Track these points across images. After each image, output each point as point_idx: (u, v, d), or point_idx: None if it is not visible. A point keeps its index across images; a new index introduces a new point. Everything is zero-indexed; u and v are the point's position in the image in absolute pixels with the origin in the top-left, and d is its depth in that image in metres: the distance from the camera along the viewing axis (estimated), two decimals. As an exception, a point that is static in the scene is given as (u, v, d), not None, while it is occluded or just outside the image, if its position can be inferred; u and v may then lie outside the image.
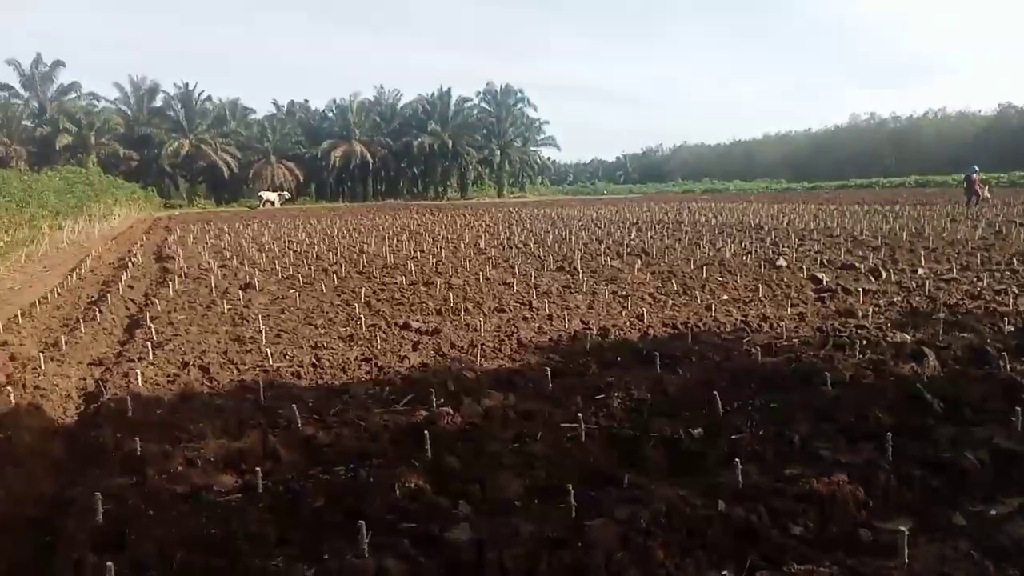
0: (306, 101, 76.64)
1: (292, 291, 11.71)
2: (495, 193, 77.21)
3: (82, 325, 9.06)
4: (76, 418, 5.90)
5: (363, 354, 7.42)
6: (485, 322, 8.84)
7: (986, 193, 29.18)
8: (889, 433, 4.34)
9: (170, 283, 12.66)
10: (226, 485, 4.23)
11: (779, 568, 3.06)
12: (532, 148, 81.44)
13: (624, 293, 10.85)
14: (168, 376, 6.68)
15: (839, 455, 4.31)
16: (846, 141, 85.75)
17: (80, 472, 4.52)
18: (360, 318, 9.25)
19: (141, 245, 22.73)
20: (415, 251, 17.73)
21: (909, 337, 7.28)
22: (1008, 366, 5.95)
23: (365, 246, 19.34)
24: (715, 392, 5.32)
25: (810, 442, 4.61)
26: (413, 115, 74.89)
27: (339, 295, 11.42)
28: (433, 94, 75.02)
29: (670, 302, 10.10)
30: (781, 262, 13.59)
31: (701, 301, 10.09)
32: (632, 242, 18.62)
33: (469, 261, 15.31)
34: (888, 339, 7.21)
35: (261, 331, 8.51)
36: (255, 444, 4.72)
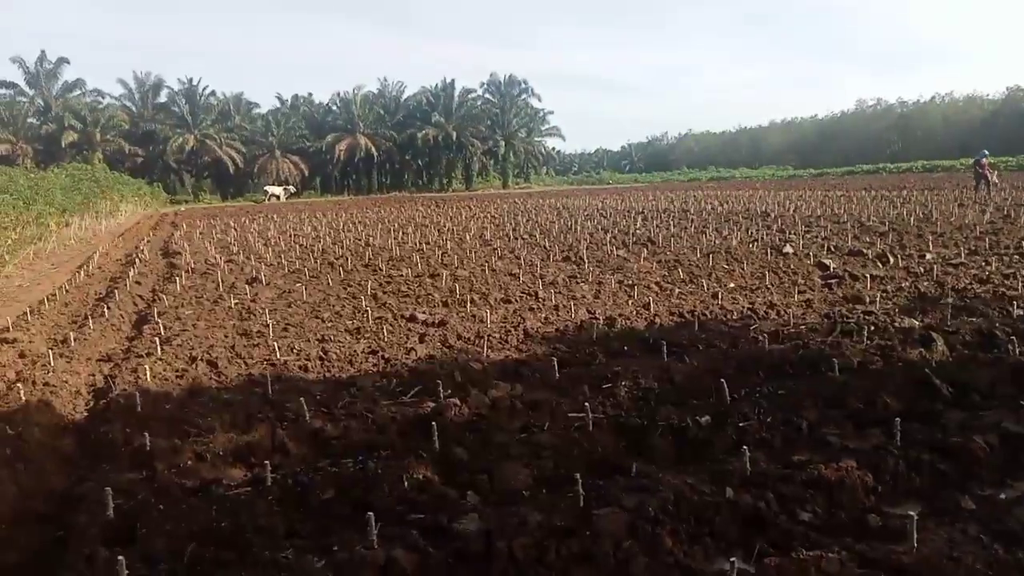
0: (310, 95, 76.67)
1: (299, 285, 11.74)
2: (500, 184, 77.09)
3: (90, 321, 9.11)
4: (86, 414, 5.93)
5: (370, 347, 7.44)
6: (491, 313, 8.84)
7: (994, 178, 28.94)
8: (897, 418, 4.33)
9: (177, 278, 12.70)
10: (235, 478, 4.25)
11: (787, 554, 3.05)
12: (536, 138, 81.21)
13: (630, 282, 10.83)
14: (176, 371, 6.71)
15: (847, 441, 4.30)
16: (853, 127, 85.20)
17: (90, 467, 4.55)
18: (367, 311, 9.26)
19: (148, 241, 22.80)
20: (421, 243, 17.73)
21: (917, 322, 7.24)
22: (1017, 350, 5.91)
23: (371, 239, 19.35)
24: (722, 380, 5.30)
25: (818, 428, 4.60)
26: (417, 107, 74.75)
27: (345, 288, 11.44)
28: (437, 86, 74.93)
29: (676, 291, 10.08)
30: (788, 249, 13.54)
31: (707, 289, 10.06)
32: (638, 231, 18.57)
33: (475, 252, 15.31)
34: (896, 325, 7.18)
35: (268, 325, 8.53)
36: (264, 437, 4.73)
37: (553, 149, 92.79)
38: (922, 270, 10.85)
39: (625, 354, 6.81)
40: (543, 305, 9.38)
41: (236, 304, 10.18)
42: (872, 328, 7.00)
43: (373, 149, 70.10)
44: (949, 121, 75.51)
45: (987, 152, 29.36)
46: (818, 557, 2.94)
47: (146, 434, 4.64)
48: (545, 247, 15.87)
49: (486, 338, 7.52)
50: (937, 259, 11.77)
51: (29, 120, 60.07)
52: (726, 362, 6.09)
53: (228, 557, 3.27)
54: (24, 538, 3.71)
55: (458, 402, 5.21)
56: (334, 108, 74.38)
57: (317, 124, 72.74)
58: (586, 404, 4.84)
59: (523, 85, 77.54)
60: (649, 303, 9.07)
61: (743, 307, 8.71)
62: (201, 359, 7.06)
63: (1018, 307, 7.71)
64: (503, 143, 75.90)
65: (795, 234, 16.25)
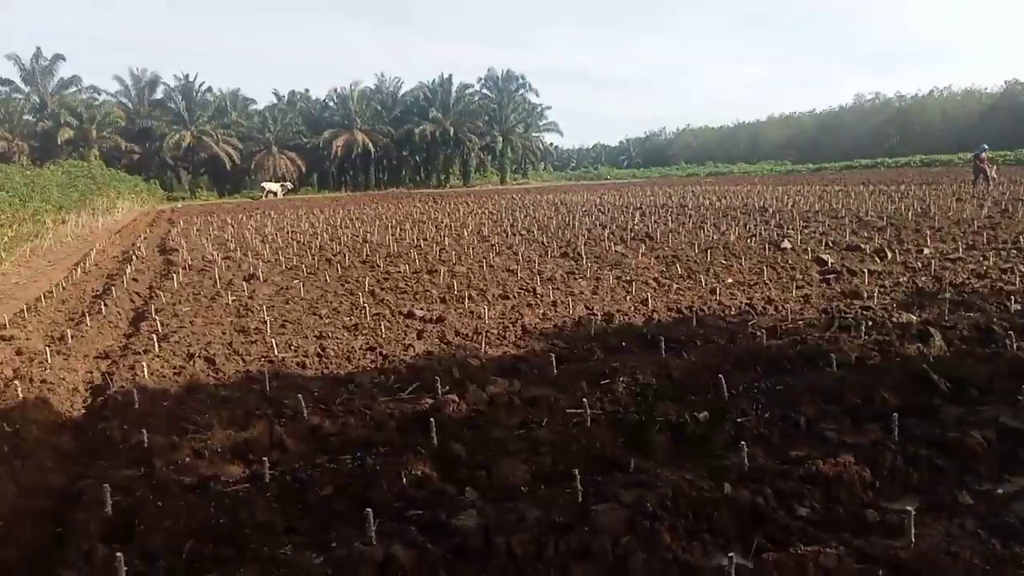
0: (307, 91, 76.43)
1: (296, 281, 11.73)
2: (498, 180, 77.00)
3: (87, 318, 9.09)
4: (83, 411, 5.92)
5: (368, 343, 7.43)
6: (489, 309, 8.83)
7: (993, 173, 28.94)
8: (895, 414, 4.34)
9: (174, 275, 12.68)
10: (233, 475, 4.25)
11: (785, 549, 3.06)
12: (534, 134, 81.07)
13: (628, 278, 10.83)
14: (174, 368, 6.70)
15: (845, 436, 4.31)
16: (851, 122, 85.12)
17: (88, 464, 4.54)
18: (364, 307, 9.26)
19: (145, 238, 22.76)
20: (418, 239, 17.72)
21: (915, 317, 7.25)
22: (1015, 345, 5.93)
23: (368, 235, 19.33)
24: (720, 375, 5.31)
25: (816, 424, 4.61)
26: (414, 103, 74.56)
27: (343, 285, 11.43)
28: (434, 81, 74.70)
29: (674, 286, 10.08)
30: (786, 244, 13.54)
31: (706, 285, 10.06)
32: (636, 227, 18.57)
33: (472, 249, 15.30)
34: (894, 320, 7.19)
35: (266, 322, 8.53)
36: (262, 434, 4.73)
37: (551, 144, 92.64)
38: (920, 265, 10.86)
39: (623, 350, 6.81)
40: (541, 301, 9.38)
41: (233, 301, 10.17)
42: (870, 323, 7.00)
43: (370, 145, 69.95)
44: (947, 115, 75.46)
45: (987, 147, 29.34)
46: (816, 552, 2.94)
47: (144, 431, 4.64)
48: (543, 243, 15.87)
49: (484, 334, 7.52)
50: (935, 254, 11.78)
51: (25, 117, 59.89)
52: (724, 358, 6.09)
53: (226, 553, 3.27)
54: (22, 535, 3.71)
55: (456, 398, 5.21)
56: (331, 104, 74.17)
57: (314, 120, 72.56)
58: (584, 400, 4.85)
59: (521, 80, 77.44)
60: (647, 299, 9.07)
61: (741, 303, 8.72)
62: (199, 356, 7.05)
63: (1016, 302, 7.72)
64: (501, 139, 75.76)
65: (793, 229, 16.26)
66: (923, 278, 9.74)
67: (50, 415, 5.58)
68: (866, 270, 10.39)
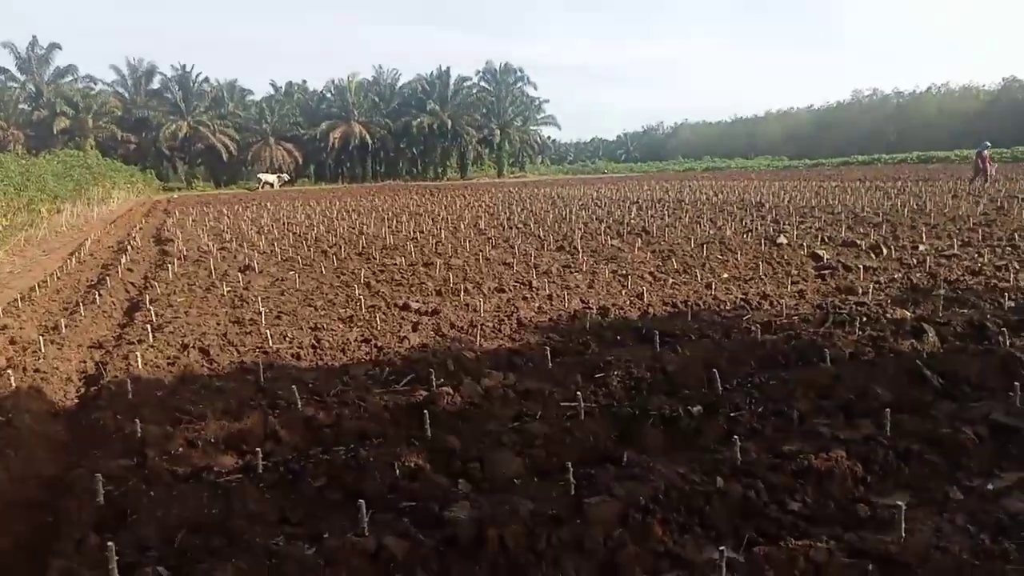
0: (304, 82, 76.11)
1: (292, 273, 11.70)
2: (495, 173, 76.88)
3: (82, 308, 9.07)
4: (77, 401, 5.91)
5: (363, 335, 7.43)
6: (485, 302, 8.83)
7: (992, 171, 28.96)
8: (888, 409, 4.35)
9: (169, 266, 12.65)
10: (227, 466, 4.25)
11: (777, 543, 3.07)
12: (532, 127, 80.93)
13: (624, 272, 10.84)
14: (168, 358, 6.69)
15: (838, 431, 4.32)
16: (848, 117, 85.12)
17: (81, 454, 4.54)
18: (360, 299, 9.25)
19: (140, 228, 22.69)
20: (415, 232, 17.69)
21: (909, 314, 7.27)
22: (1008, 342, 5.94)
23: (364, 227, 19.30)
24: (714, 370, 5.32)
25: (809, 419, 4.63)
26: (412, 95, 74.36)
27: (339, 276, 11.41)
28: (432, 74, 74.52)
29: (670, 281, 10.09)
30: (782, 240, 13.56)
31: (701, 279, 10.07)
32: (632, 221, 18.57)
33: (469, 241, 15.28)
34: (888, 316, 7.20)
35: (261, 313, 8.51)
36: (255, 425, 4.73)
37: (548, 138, 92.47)
38: (915, 261, 10.88)
39: (618, 344, 6.82)
40: (537, 294, 9.38)
41: (229, 292, 10.15)
42: (864, 319, 7.02)
43: (368, 137, 69.79)
44: (945, 112, 75.47)
45: (989, 144, 29.29)
46: (807, 546, 2.96)
47: (137, 421, 4.63)
48: (539, 236, 15.86)
49: (479, 327, 7.51)
50: (930, 250, 11.81)
51: (20, 106, 59.60)
52: (719, 352, 6.10)
53: (219, 544, 3.27)
54: (15, 524, 3.71)
55: (451, 391, 5.21)
56: (328, 95, 73.93)
57: (311, 111, 72.33)
58: (578, 393, 4.85)
59: (519, 73, 77.24)
60: (643, 293, 9.08)
61: (736, 298, 8.73)
62: (193, 346, 7.04)
63: (1009, 299, 7.74)
64: (498, 132, 75.60)
65: (789, 225, 16.27)
66: (918, 274, 9.76)
67: (43, 404, 5.57)
68: (861, 266, 10.41)
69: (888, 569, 2.86)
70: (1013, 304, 7.58)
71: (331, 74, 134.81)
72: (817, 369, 5.47)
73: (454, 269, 11.57)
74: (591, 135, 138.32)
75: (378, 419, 4.87)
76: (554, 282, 10.22)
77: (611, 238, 15.07)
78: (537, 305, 8.71)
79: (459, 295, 9.43)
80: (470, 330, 7.48)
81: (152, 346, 7.04)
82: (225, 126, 65.99)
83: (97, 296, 9.88)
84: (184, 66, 66.10)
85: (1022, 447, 4.06)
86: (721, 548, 2.93)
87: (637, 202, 25.65)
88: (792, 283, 9.57)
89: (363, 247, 14.99)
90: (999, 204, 18.89)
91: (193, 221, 23.87)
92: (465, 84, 75.88)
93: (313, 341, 7.21)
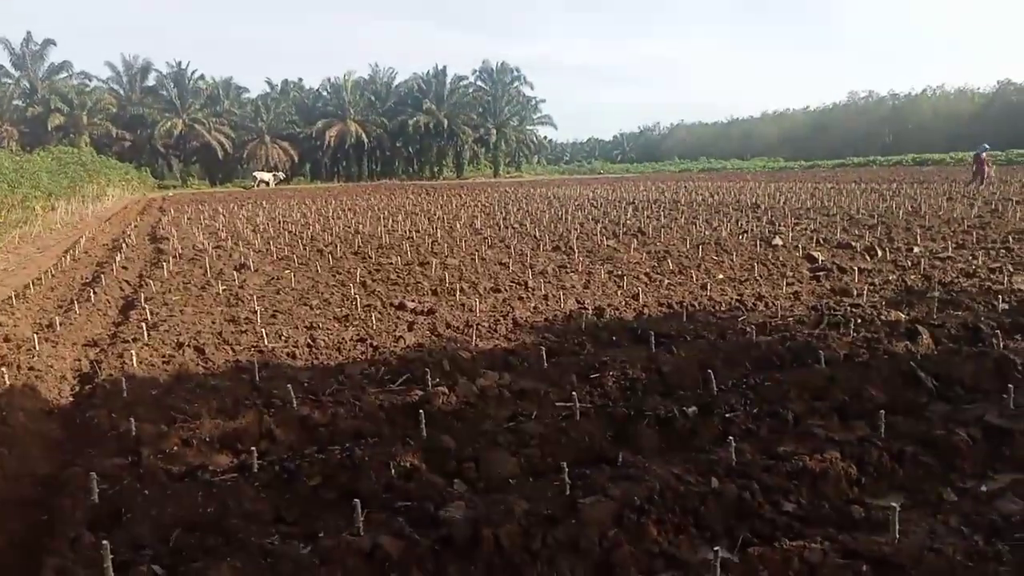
0: (300, 80, 76.08)
1: (287, 272, 11.69)
2: (491, 173, 76.90)
3: (76, 306, 9.04)
4: (71, 399, 5.89)
5: (358, 334, 7.42)
6: (481, 302, 8.83)
7: (991, 172, 29.07)
8: (882, 411, 4.37)
9: (164, 264, 12.62)
10: (222, 465, 4.24)
11: (771, 544, 3.08)
12: (528, 127, 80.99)
13: (620, 273, 10.85)
14: (163, 357, 6.67)
15: (832, 432, 4.33)
16: (844, 119, 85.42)
17: (76, 452, 4.52)
18: (355, 298, 9.24)
19: (135, 226, 22.63)
20: (410, 231, 17.68)
21: (904, 315, 7.29)
22: (1001, 344, 5.97)
23: (360, 226, 19.28)
24: (709, 371, 5.33)
25: (804, 420, 4.64)
26: (408, 94, 74.33)
27: (334, 276, 11.40)
28: (428, 72, 74.51)
29: (665, 281, 10.10)
30: (777, 241, 13.59)
31: (696, 280, 10.09)
32: (628, 222, 18.59)
33: (465, 241, 15.28)
34: (883, 317, 7.22)
35: (256, 312, 8.50)
36: (250, 424, 4.72)
37: (545, 138, 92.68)
38: (909, 263, 10.92)
39: (613, 344, 6.83)
40: (533, 295, 9.38)
41: (224, 290, 10.13)
42: (859, 321, 7.04)
43: (364, 136, 69.72)
44: (940, 114, 75.82)
45: (987, 146, 29.38)
46: (801, 547, 2.97)
47: (132, 419, 4.62)
48: (535, 237, 15.86)
49: (475, 327, 7.51)
50: (925, 253, 11.85)
51: (15, 102, 59.38)
52: (714, 353, 6.11)
53: (213, 543, 3.27)
54: (9, 523, 3.69)
55: (446, 390, 5.21)
56: (324, 94, 73.86)
57: (307, 110, 72.23)
58: (574, 393, 4.86)
59: (515, 73, 77.32)
60: (638, 294, 9.09)
61: (732, 298, 8.75)
62: (188, 345, 7.02)
63: (1003, 301, 7.77)
64: (495, 131, 75.61)
65: (785, 226, 16.31)
66: (912, 276, 9.79)
67: (37, 403, 5.55)
68: (856, 268, 10.44)
69: (882, 570, 2.88)
70: (1007, 306, 7.61)
71: (327, 72, 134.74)
72: (812, 370, 5.49)
73: (450, 269, 11.57)
74: (587, 135, 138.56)
75: (373, 419, 4.87)
76: (550, 282, 10.22)
77: (607, 238, 15.08)
78: (533, 305, 8.71)
79: (455, 295, 9.43)
80: (466, 330, 7.48)
81: (147, 344, 7.02)
82: (220, 124, 65.83)
83: (92, 294, 9.85)
84: (180, 63, 66.05)
85: (1015, 449, 4.08)
86: (716, 548, 2.94)
87: (633, 203, 25.68)
88: (787, 284, 9.59)
89: (359, 246, 14.97)
90: (994, 207, 18.97)
91: (188, 219, 23.82)
92: (461, 83, 75.90)
93: (308, 340, 7.20)
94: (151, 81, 66.56)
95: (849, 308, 7.79)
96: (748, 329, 6.86)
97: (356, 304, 8.92)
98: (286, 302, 9.31)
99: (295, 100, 73.33)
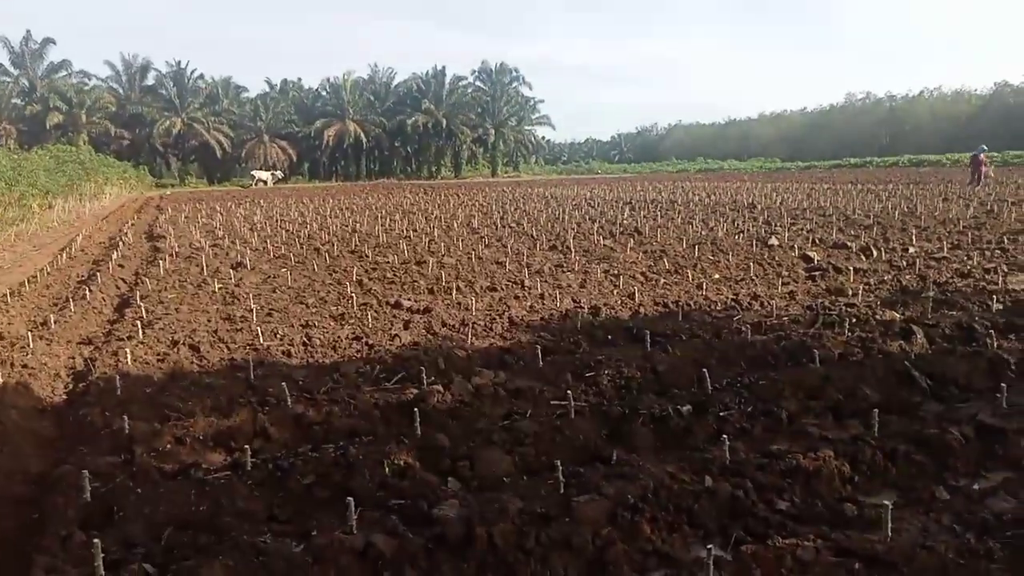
0: (299, 80, 75.91)
1: (284, 270, 11.68)
2: (489, 172, 76.88)
3: (71, 304, 9.02)
4: (65, 397, 5.88)
5: (354, 333, 7.41)
6: (477, 301, 8.83)
7: (990, 172, 29.16)
8: (876, 410, 4.37)
9: (161, 262, 12.60)
10: (215, 463, 4.23)
11: (764, 542, 3.08)
12: (526, 127, 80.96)
13: (616, 272, 10.85)
14: (158, 355, 6.66)
15: (826, 431, 4.34)
16: (841, 120, 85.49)
17: (68, 450, 4.51)
18: (351, 297, 9.23)
19: (132, 224, 22.59)
20: (408, 230, 17.67)
21: (898, 315, 7.30)
22: (995, 344, 5.98)
23: (358, 225, 19.26)
24: (704, 370, 5.34)
25: (798, 419, 4.65)
26: (407, 94, 74.27)
27: (331, 274, 11.39)
28: (427, 72, 74.46)
29: (661, 281, 10.11)
30: (773, 241, 13.60)
31: (692, 280, 10.10)
32: (625, 222, 18.59)
33: (462, 240, 15.28)
34: (877, 317, 7.23)
35: (252, 310, 8.49)
36: (245, 422, 4.71)
37: (543, 138, 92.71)
38: (905, 264, 10.93)
39: (609, 343, 6.83)
40: (529, 294, 9.38)
41: (220, 289, 10.11)
42: (854, 320, 7.05)
43: (362, 135, 69.66)
44: (937, 116, 75.92)
45: (985, 147, 29.47)
46: (794, 545, 2.97)
47: (125, 417, 4.61)
48: (532, 236, 15.86)
49: (471, 326, 7.51)
50: (920, 253, 11.87)
51: (13, 101, 59.25)
52: (709, 352, 6.12)
53: (206, 541, 3.26)
54: (0, 520, 3.68)
55: (441, 389, 5.21)
56: (323, 93, 73.78)
57: (306, 109, 72.15)
58: (569, 392, 4.86)
59: (514, 73, 77.29)
60: (634, 293, 9.09)
61: (727, 298, 8.75)
62: (183, 343, 7.01)
63: (998, 301, 7.78)
64: (493, 131, 75.57)
65: (781, 226, 16.33)
66: (908, 276, 9.81)
67: (31, 400, 5.54)
68: (852, 268, 10.45)
69: (874, 568, 2.88)
70: (1001, 307, 7.63)
71: (326, 72, 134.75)
72: (806, 369, 5.49)
73: (446, 268, 11.56)
74: (585, 135, 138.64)
75: (368, 417, 4.86)
76: (546, 281, 10.22)
77: (603, 238, 15.09)
78: (529, 304, 8.71)
79: (451, 293, 9.43)
80: (461, 328, 7.48)
81: (142, 343, 7.01)
82: (219, 123, 65.74)
83: (87, 292, 9.83)
84: (179, 62, 65.93)
85: (1008, 448, 4.08)
86: (709, 547, 2.94)
87: (630, 202, 25.69)
88: (783, 284, 9.60)
89: (356, 245, 14.97)
90: (989, 208, 19.00)
91: (186, 218, 23.78)
92: (460, 83, 75.89)
93: (304, 339, 7.19)
94: (150, 80, 66.47)
95: (844, 308, 7.80)
96: (743, 328, 6.87)
97: (352, 303, 8.91)
98: (282, 300, 9.30)
99: (294, 100, 73.24)
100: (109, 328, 8.05)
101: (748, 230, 15.76)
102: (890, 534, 3.07)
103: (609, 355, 6.02)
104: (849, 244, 12.98)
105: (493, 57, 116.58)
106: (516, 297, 9.18)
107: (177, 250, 14.85)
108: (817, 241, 13.72)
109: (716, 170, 72.66)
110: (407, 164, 77.48)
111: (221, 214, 24.89)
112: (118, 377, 5.57)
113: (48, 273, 12.26)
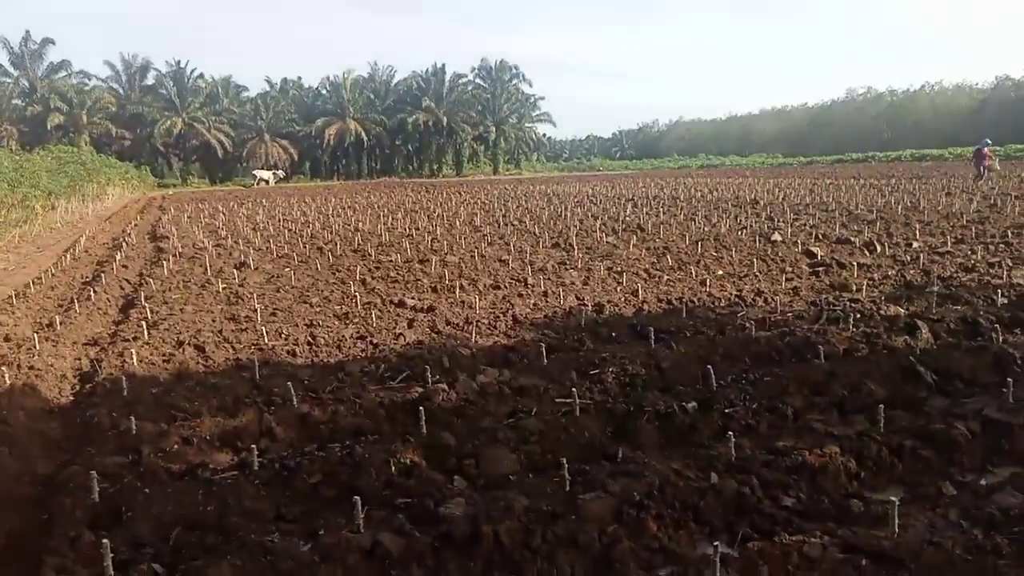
0: (299, 78, 75.92)
1: (287, 270, 11.69)
2: (490, 170, 76.82)
3: (76, 305, 9.04)
4: (71, 398, 5.90)
5: (358, 332, 7.43)
6: (480, 299, 8.84)
7: (996, 165, 29.09)
8: (881, 405, 4.37)
9: (164, 263, 12.62)
10: (222, 463, 4.25)
11: (770, 539, 3.09)
12: (527, 124, 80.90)
13: (619, 269, 10.85)
14: (163, 355, 6.68)
15: (832, 427, 4.34)
16: (842, 115, 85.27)
17: (76, 451, 4.53)
18: (355, 296, 9.24)
19: (135, 225, 22.62)
20: (410, 229, 17.68)
21: (903, 310, 7.30)
22: (1000, 338, 5.98)
23: (360, 224, 19.28)
24: (709, 366, 5.34)
25: (803, 415, 4.65)
26: (407, 92, 74.24)
27: (334, 273, 11.40)
28: (427, 70, 74.41)
29: (665, 278, 10.11)
30: (776, 237, 13.59)
31: (696, 276, 10.09)
32: (627, 218, 18.58)
33: (464, 238, 15.28)
34: (882, 312, 7.23)
35: (256, 310, 8.50)
36: (251, 422, 4.73)
37: (544, 135, 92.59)
38: (908, 258, 10.92)
39: (613, 340, 6.83)
40: (532, 291, 9.39)
41: (224, 289, 10.13)
42: (858, 316, 7.04)
43: (363, 134, 69.66)
44: (938, 110, 75.68)
45: (988, 141, 29.41)
46: (800, 542, 2.97)
47: (132, 418, 4.63)
48: (535, 233, 15.86)
49: (475, 324, 7.52)
50: (924, 247, 11.85)
51: (14, 102, 59.34)
52: (713, 349, 6.12)
53: (214, 541, 3.27)
54: (8, 522, 3.69)
55: (446, 387, 5.22)
56: (324, 92, 73.78)
57: (307, 108, 72.17)
58: (573, 390, 4.86)
59: (514, 71, 77.19)
60: (637, 290, 9.09)
61: (731, 294, 8.75)
62: (188, 343, 7.02)
63: (1002, 295, 7.77)
64: (494, 129, 75.51)
65: (784, 222, 16.31)
66: (911, 271, 9.80)
67: (37, 402, 5.56)
68: (855, 263, 10.44)
69: (881, 564, 2.88)
70: (1006, 301, 7.61)
71: (326, 71, 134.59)
72: (811, 365, 5.49)
73: (449, 266, 11.57)
74: (586, 132, 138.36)
75: (373, 416, 4.87)
76: (549, 279, 10.23)
77: (606, 235, 15.09)
78: (532, 302, 8.71)
79: (454, 292, 9.44)
80: (465, 327, 7.49)
81: (147, 343, 7.03)
82: (220, 122, 65.77)
83: (92, 293, 9.85)
84: (179, 62, 65.95)
85: (1014, 443, 4.08)
86: (715, 543, 2.95)
87: (632, 199, 25.67)
88: (786, 280, 9.59)
89: (359, 244, 14.98)
90: (992, 201, 18.96)
91: (188, 218, 23.81)
92: (461, 81, 75.82)
93: (308, 338, 7.20)
94: (150, 80, 66.54)
95: (848, 303, 7.80)
96: (747, 325, 6.86)
97: (356, 302, 8.92)
98: (286, 300, 9.32)
99: (294, 98, 73.25)
100: (115, 329, 8.07)
101: (751, 226, 15.75)
102: (897, 530, 3.07)
103: (613, 352, 6.02)
104: (852, 239, 12.96)
105: (493, 54, 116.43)
106: (519, 295, 9.18)
107: (181, 250, 14.87)
108: (820, 236, 13.70)
109: (718, 166, 72.56)
110: (408, 163, 77.46)
111: (224, 214, 24.91)
112: (124, 378, 5.59)
113: (53, 274, 12.29)
